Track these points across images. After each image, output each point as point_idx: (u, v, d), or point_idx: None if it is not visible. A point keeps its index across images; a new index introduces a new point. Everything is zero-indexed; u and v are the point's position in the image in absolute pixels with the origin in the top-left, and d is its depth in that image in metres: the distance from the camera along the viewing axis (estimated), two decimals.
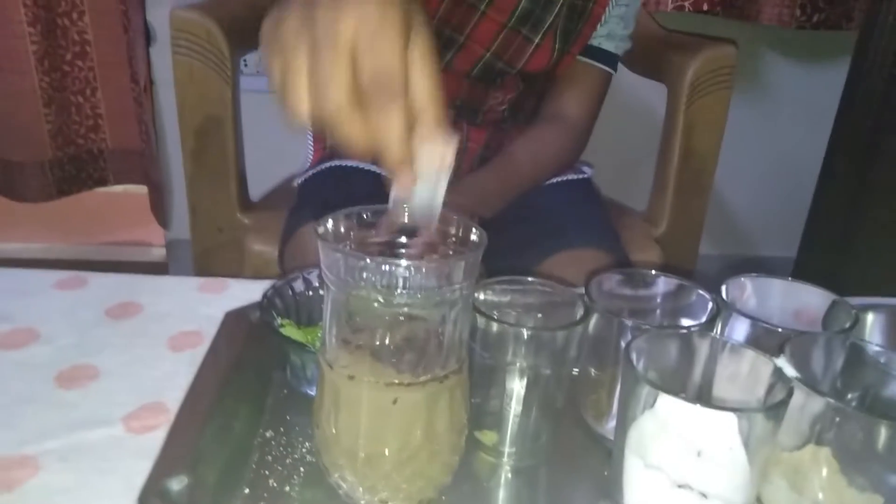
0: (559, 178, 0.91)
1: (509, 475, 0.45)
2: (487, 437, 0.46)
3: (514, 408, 0.45)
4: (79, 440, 0.44)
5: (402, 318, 0.36)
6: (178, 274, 1.93)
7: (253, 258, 0.86)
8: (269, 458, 0.44)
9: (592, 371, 0.48)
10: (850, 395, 0.44)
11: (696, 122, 0.93)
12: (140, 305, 0.60)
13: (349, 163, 0.85)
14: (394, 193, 0.36)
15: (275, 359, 0.52)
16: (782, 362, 0.38)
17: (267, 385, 0.51)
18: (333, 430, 0.37)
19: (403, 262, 0.33)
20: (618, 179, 1.08)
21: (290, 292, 0.53)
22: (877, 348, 0.42)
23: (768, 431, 0.37)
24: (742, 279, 0.50)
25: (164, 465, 0.40)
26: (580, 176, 0.93)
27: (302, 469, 0.43)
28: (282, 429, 0.46)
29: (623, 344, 0.44)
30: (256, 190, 1.04)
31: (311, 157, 0.94)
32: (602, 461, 0.46)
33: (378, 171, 0.85)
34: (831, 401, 0.36)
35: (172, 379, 0.51)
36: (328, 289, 0.36)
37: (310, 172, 0.87)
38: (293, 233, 0.78)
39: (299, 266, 0.76)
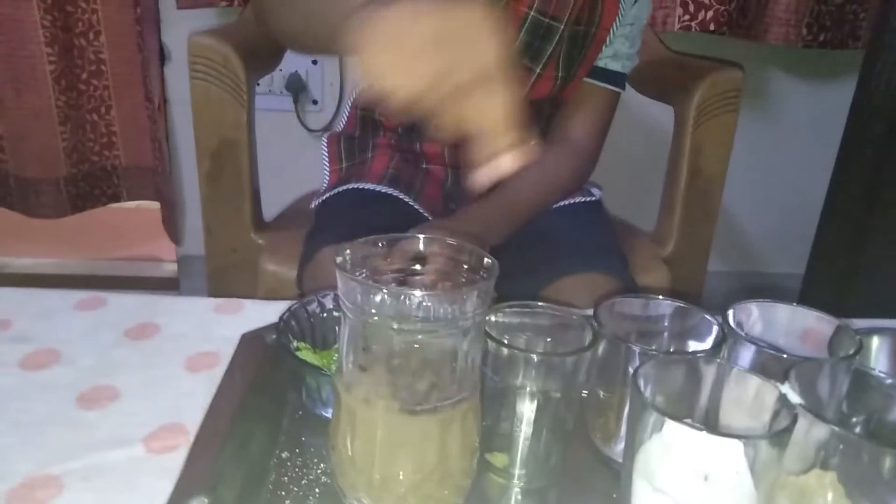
0: (568, 201, 0.92)
1: (519, 497, 0.46)
2: (498, 459, 0.47)
3: (525, 430, 0.46)
4: (101, 460, 0.45)
5: (416, 345, 0.37)
6: (190, 290, 1.94)
7: (267, 278, 0.87)
8: (286, 479, 0.45)
9: (601, 394, 0.49)
10: (855, 420, 0.44)
11: (703, 144, 0.95)
12: (158, 326, 0.62)
13: (366, 186, 0.87)
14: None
15: (290, 380, 0.53)
16: (787, 389, 0.39)
17: (283, 406, 0.52)
18: (350, 453, 0.38)
19: (418, 292, 0.35)
20: (626, 199, 1.09)
21: (306, 315, 0.54)
22: (881, 374, 0.43)
23: (773, 457, 0.38)
24: (748, 304, 0.51)
25: (185, 487, 0.41)
26: (588, 199, 0.94)
27: (317, 490, 0.44)
28: (297, 450, 0.48)
29: (631, 369, 0.45)
30: (270, 209, 1.06)
31: (328, 178, 0.96)
32: (611, 483, 0.47)
33: (395, 194, 0.87)
34: (835, 428, 0.37)
35: (190, 399, 0.52)
36: (345, 315, 0.37)
37: (326, 195, 0.89)
38: (312, 256, 0.79)
39: (318, 289, 0.78)
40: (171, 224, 1.93)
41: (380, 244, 0.42)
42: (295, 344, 0.51)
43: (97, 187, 2.01)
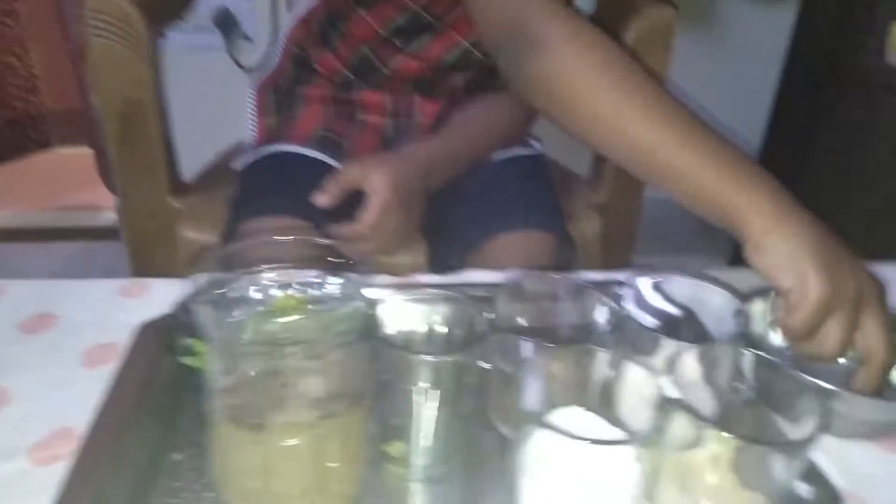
0: (508, 154, 0.90)
1: (419, 485, 0.46)
2: (395, 448, 0.47)
3: (420, 420, 0.46)
4: None
5: (282, 365, 0.36)
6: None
7: (187, 246, 0.84)
8: (178, 483, 0.44)
9: (498, 375, 0.49)
10: (745, 396, 0.45)
11: None
12: (55, 317, 0.59)
13: (292, 149, 0.83)
14: None
15: (189, 375, 0.51)
16: (667, 382, 0.39)
17: (180, 404, 0.50)
18: (222, 470, 0.38)
19: (282, 320, 0.33)
20: (562, 142, 1.07)
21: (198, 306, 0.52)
22: (766, 355, 0.43)
23: (654, 448, 0.38)
24: (645, 277, 0.51)
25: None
26: (530, 152, 0.92)
27: (210, 495, 0.43)
28: (192, 451, 0.47)
29: (523, 356, 0.44)
30: (204, 154, 1.02)
31: (255, 132, 0.91)
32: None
33: (322, 159, 0.84)
34: (708, 425, 0.37)
35: (84, 401, 0.50)
36: (211, 340, 0.36)
37: (253, 159, 0.85)
38: (234, 232, 0.76)
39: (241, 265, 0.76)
40: (107, 171, 1.85)
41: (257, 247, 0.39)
42: (187, 342, 0.49)
43: (23, 134, 1.92)
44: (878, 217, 1.54)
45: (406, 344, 0.48)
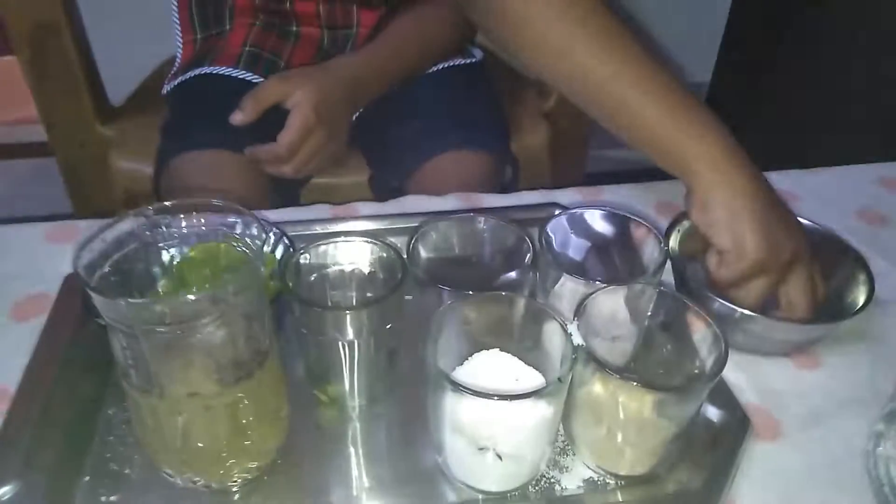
0: (446, 64, 0.86)
1: (352, 426, 0.48)
2: (326, 392, 0.48)
3: (346, 365, 0.47)
4: None
5: (177, 338, 0.35)
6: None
7: (121, 176, 0.82)
8: (111, 437, 0.45)
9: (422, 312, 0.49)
10: (656, 331, 0.46)
11: None
12: None
13: (218, 70, 0.79)
14: None
15: None
16: (574, 329, 0.40)
17: (109, 358, 0.51)
18: (142, 433, 0.39)
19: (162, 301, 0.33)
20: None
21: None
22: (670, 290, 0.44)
23: (561, 393, 0.39)
24: (563, 216, 0.51)
25: None
26: (469, 60, 0.88)
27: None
28: (125, 404, 0.47)
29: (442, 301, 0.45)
30: (121, 82, 0.97)
31: (180, 51, 0.87)
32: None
33: (247, 77, 0.80)
34: (612, 372, 0.38)
35: (15, 356, 0.50)
36: (106, 324, 0.35)
37: (178, 80, 0.81)
38: (165, 164, 0.74)
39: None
40: None
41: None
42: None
43: None
44: (826, 122, 1.52)
45: (327, 292, 0.48)
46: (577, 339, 0.39)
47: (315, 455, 0.45)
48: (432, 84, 0.84)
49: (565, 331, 0.40)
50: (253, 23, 0.84)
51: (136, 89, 0.95)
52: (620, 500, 0.43)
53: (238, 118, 0.69)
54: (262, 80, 0.80)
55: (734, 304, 0.49)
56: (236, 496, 0.42)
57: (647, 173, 0.66)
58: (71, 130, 0.84)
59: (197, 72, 0.80)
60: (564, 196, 0.70)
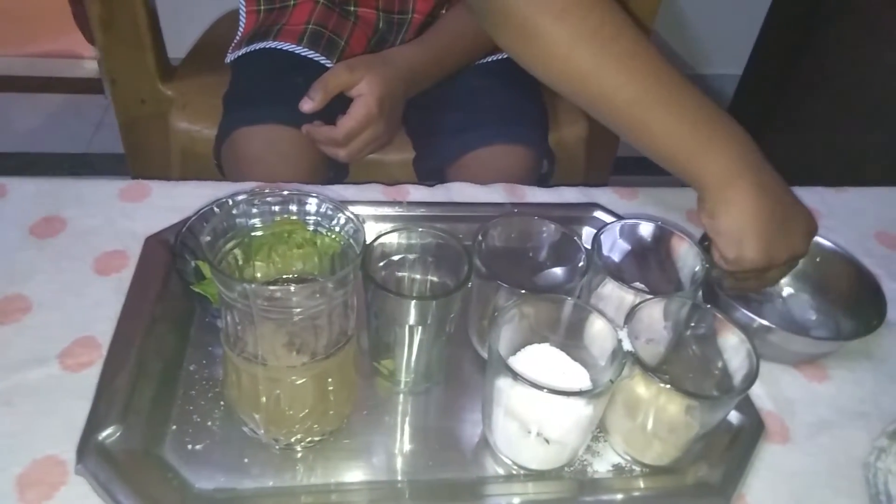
0: (494, 57, 0.89)
1: (405, 398, 0.53)
2: (385, 366, 0.53)
3: (407, 342, 0.51)
4: (19, 381, 0.49)
5: (287, 313, 0.40)
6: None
7: (179, 136, 0.86)
8: (193, 392, 0.50)
9: (476, 300, 0.54)
10: (694, 340, 0.51)
11: None
12: (63, 220, 0.63)
13: (284, 46, 0.82)
14: None
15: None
16: (623, 335, 0.45)
17: (190, 314, 0.56)
18: (235, 394, 0.44)
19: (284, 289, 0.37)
20: None
21: (205, 225, 0.56)
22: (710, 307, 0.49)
23: (609, 392, 0.44)
24: (615, 225, 0.55)
25: (99, 412, 0.46)
26: None
27: (222, 403, 0.50)
28: (204, 361, 0.53)
29: (500, 297, 0.49)
30: (178, 35, 1.00)
31: (244, 19, 0.89)
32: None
33: (310, 55, 0.83)
34: (661, 379, 0.43)
35: (100, 308, 0.55)
36: (220, 288, 0.40)
37: (243, 51, 0.84)
38: (228, 135, 0.78)
39: (235, 169, 0.77)
40: (84, 20, 1.78)
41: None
42: (193, 264, 0.53)
43: None
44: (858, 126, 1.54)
45: (393, 276, 0.52)
46: (627, 345, 0.44)
47: (371, 422, 0.50)
48: (479, 74, 0.87)
49: (616, 335, 0.44)
50: (316, 0, 0.86)
51: (195, 46, 0.98)
52: (643, 486, 0.49)
53: (308, 107, 0.72)
54: (322, 58, 0.83)
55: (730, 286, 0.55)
56: (299, 454, 0.48)
57: None
58: (134, 87, 0.87)
59: (261, 45, 0.83)
60: (602, 195, 0.74)
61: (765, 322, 0.54)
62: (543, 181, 0.88)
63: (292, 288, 0.38)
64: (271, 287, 0.39)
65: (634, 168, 0.77)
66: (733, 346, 0.47)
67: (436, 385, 0.54)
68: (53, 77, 1.88)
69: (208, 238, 0.40)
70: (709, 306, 0.49)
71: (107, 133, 1.68)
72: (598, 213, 0.67)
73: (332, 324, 0.41)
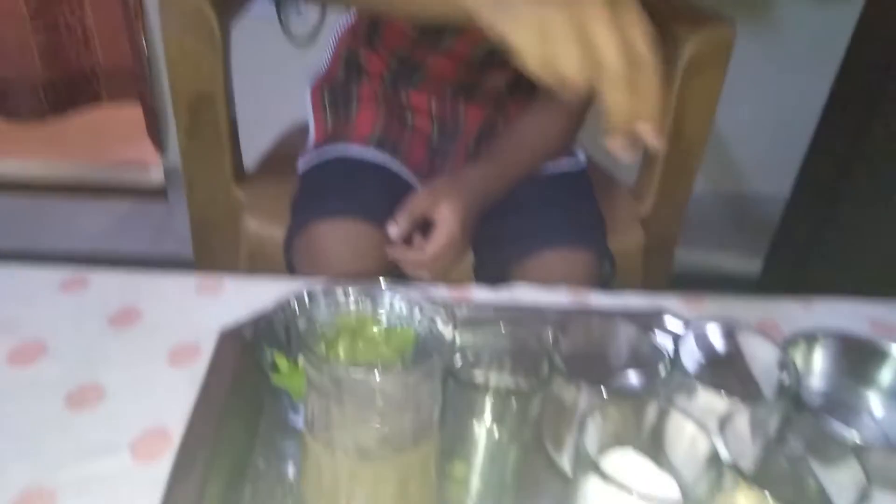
0: (554, 171, 0.92)
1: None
2: (456, 469, 0.51)
3: (484, 443, 0.50)
4: (91, 471, 0.49)
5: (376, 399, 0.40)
6: (177, 201, 1.94)
7: (250, 237, 0.89)
8: (262, 488, 0.49)
9: (554, 406, 0.52)
10: (790, 447, 0.48)
11: (688, 104, 0.93)
12: (140, 312, 0.64)
13: (352, 152, 0.87)
14: None
15: (268, 382, 0.56)
16: (719, 441, 0.43)
17: (260, 410, 0.55)
18: (312, 487, 0.42)
19: (378, 374, 0.37)
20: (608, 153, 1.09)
21: (284, 318, 0.56)
22: (813, 411, 0.47)
23: (703, 495, 0.42)
24: (699, 326, 0.54)
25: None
26: (574, 167, 0.95)
27: (290, 502, 0.48)
28: (273, 458, 0.52)
29: (580, 402, 0.48)
30: (255, 137, 1.05)
31: (313, 131, 0.94)
32: (563, 488, 0.51)
33: (384, 164, 0.87)
34: (757, 488, 0.41)
35: (173, 399, 0.55)
36: (309, 373, 0.40)
37: (314, 161, 0.89)
38: (299, 232, 0.81)
39: (305, 266, 0.80)
40: (155, 130, 1.90)
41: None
42: (271, 356, 0.53)
43: (76, 89, 1.96)
44: None
45: (470, 373, 0.52)
46: (725, 454, 0.42)
47: None
48: (540, 186, 0.90)
49: (710, 443, 0.42)
50: (378, 108, 0.91)
51: (267, 153, 1.04)
52: None
53: (394, 232, 0.76)
54: (390, 162, 0.87)
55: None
56: None
57: (730, 283, 0.69)
58: (208, 190, 0.91)
59: (331, 152, 0.87)
60: (669, 302, 0.73)
61: (865, 442, 0.51)
62: (605, 285, 0.88)
63: (378, 370, 0.38)
64: (360, 367, 0.38)
65: (694, 284, 0.77)
66: (835, 462, 0.44)
67: (509, 493, 0.52)
68: (120, 184, 1.99)
69: (302, 321, 0.40)
70: (808, 417, 0.46)
71: (168, 238, 1.75)
72: (668, 318, 0.67)
73: (417, 413, 0.40)
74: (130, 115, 2.03)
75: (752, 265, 1.81)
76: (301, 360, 0.53)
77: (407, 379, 0.38)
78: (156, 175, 2.00)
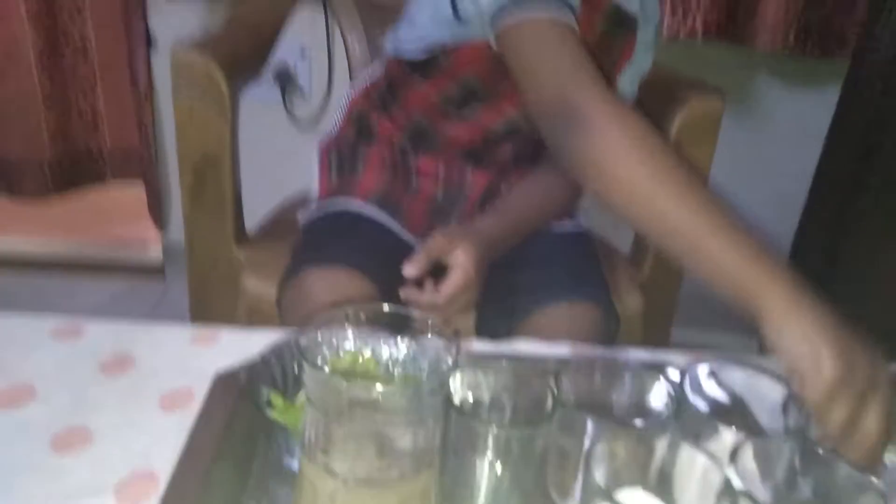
0: (557, 230, 0.93)
1: None
2: None
3: (482, 488, 0.48)
4: None
5: (377, 425, 0.38)
6: (175, 277, 1.94)
7: (248, 296, 0.88)
8: None
9: (558, 450, 0.51)
10: (803, 486, 0.46)
11: None
12: (133, 359, 0.63)
13: (353, 207, 0.88)
14: None
15: (262, 424, 0.54)
16: (731, 472, 0.41)
17: (252, 452, 0.53)
18: None
19: (380, 388, 0.36)
20: (606, 219, 1.10)
21: (278, 361, 0.55)
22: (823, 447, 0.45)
23: None
24: (707, 364, 0.53)
25: None
26: (576, 228, 0.96)
27: None
28: (265, 501, 0.49)
29: (586, 440, 0.47)
30: (256, 205, 1.06)
31: (317, 188, 0.96)
32: None
33: (383, 222, 0.88)
34: None
35: (162, 443, 0.53)
36: (309, 399, 0.39)
37: (316, 215, 0.90)
38: (291, 277, 0.80)
39: (296, 313, 0.79)
40: (156, 209, 1.92)
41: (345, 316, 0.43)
42: (266, 395, 0.52)
43: (82, 169, 2.00)
44: None
45: (474, 413, 0.50)
46: (738, 484, 0.40)
47: None
48: (544, 243, 0.91)
49: (723, 475, 0.41)
50: (383, 171, 0.93)
51: (269, 218, 1.04)
52: None
53: (410, 271, 0.75)
54: (389, 219, 0.88)
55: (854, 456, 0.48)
56: None
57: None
58: (209, 250, 0.92)
59: (333, 206, 0.88)
60: (673, 357, 0.72)
61: (879, 485, 0.49)
62: (610, 342, 0.87)
63: (379, 385, 0.37)
64: (363, 382, 0.37)
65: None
66: (849, 494, 0.42)
67: None
68: (118, 261, 1.99)
69: (304, 341, 0.39)
70: (819, 451, 0.45)
71: (163, 316, 1.74)
72: (671, 371, 0.65)
73: (418, 437, 0.39)
74: (133, 194, 2.06)
75: (750, 343, 1.79)
76: (298, 396, 0.52)
77: (407, 393, 0.37)
78: (154, 253, 2.02)
